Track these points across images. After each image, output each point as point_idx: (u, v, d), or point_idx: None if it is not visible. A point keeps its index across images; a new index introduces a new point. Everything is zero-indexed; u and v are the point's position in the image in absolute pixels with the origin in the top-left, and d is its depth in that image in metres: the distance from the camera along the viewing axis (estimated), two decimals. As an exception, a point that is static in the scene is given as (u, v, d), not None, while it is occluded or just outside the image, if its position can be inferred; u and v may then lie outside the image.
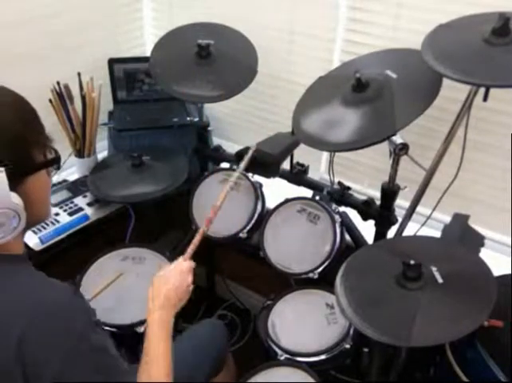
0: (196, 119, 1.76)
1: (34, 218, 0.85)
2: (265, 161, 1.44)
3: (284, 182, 1.60)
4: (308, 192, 1.55)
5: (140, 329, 1.32)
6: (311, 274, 1.39)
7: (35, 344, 0.74)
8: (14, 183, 0.77)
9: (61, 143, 1.70)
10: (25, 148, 0.82)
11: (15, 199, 0.79)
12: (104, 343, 0.81)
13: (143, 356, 0.94)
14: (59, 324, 0.76)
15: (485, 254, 1.18)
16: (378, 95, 1.20)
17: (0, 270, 0.82)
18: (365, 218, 1.45)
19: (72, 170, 1.80)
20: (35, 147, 0.84)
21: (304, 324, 1.39)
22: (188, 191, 1.62)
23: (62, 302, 0.79)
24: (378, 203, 1.42)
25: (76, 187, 1.70)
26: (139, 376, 0.90)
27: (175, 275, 1.08)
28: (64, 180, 1.74)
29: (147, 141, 1.79)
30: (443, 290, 1.03)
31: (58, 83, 1.63)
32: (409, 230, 1.40)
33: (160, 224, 1.86)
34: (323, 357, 1.29)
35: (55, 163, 0.89)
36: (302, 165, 1.58)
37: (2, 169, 0.75)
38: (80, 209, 1.61)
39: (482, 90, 1.08)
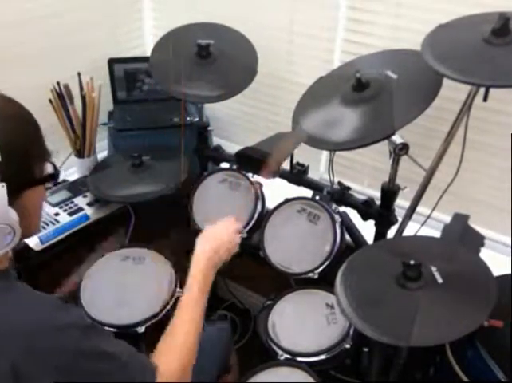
0: (196, 119, 1.76)
1: (24, 231, 0.82)
2: (265, 161, 1.44)
3: (284, 182, 1.60)
4: (308, 192, 1.55)
5: (141, 330, 1.32)
6: (311, 274, 1.39)
7: (29, 366, 0.73)
8: (11, 197, 0.76)
9: (61, 143, 1.70)
10: (26, 162, 0.81)
11: (12, 214, 0.77)
12: (98, 347, 0.81)
13: (175, 312, 0.99)
14: (49, 344, 0.75)
15: (485, 254, 1.18)
16: (378, 95, 1.20)
17: None
18: (365, 218, 1.45)
19: (72, 170, 1.80)
20: (35, 161, 0.83)
21: (304, 324, 1.39)
22: (188, 191, 1.62)
23: (50, 321, 0.78)
24: (378, 203, 1.42)
25: (76, 187, 1.70)
26: (165, 333, 0.95)
27: (226, 232, 1.16)
28: (64, 180, 1.74)
29: (147, 141, 1.79)
30: (443, 290, 1.03)
31: (58, 83, 1.64)
32: (409, 230, 1.40)
33: (160, 224, 1.86)
34: (323, 357, 1.29)
35: (54, 178, 0.88)
36: (302, 165, 1.58)
37: (3, 184, 0.73)
38: (80, 209, 1.61)
39: (482, 90, 1.08)
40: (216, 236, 1.14)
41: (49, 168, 0.87)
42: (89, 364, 0.79)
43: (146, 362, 0.88)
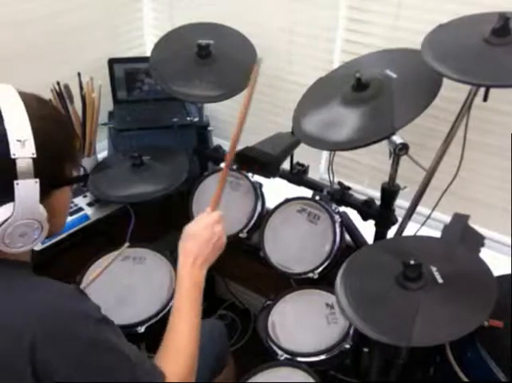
0: (196, 119, 1.76)
1: (50, 229, 0.85)
2: (265, 161, 1.44)
3: (284, 182, 1.60)
4: (308, 192, 1.55)
5: (141, 330, 1.32)
6: (311, 274, 1.39)
7: (45, 350, 0.74)
8: (42, 195, 0.78)
9: (61, 143, 1.70)
10: (61, 163, 0.83)
11: (42, 211, 0.80)
12: (111, 341, 0.81)
13: (169, 318, 0.97)
14: (65, 331, 0.76)
15: (485, 254, 1.18)
16: (378, 95, 1.20)
17: (8, 275, 0.82)
18: (365, 218, 1.45)
19: (72, 170, 1.80)
20: (67, 162, 0.85)
21: (304, 324, 1.39)
22: (188, 191, 1.62)
23: (68, 308, 0.79)
24: (378, 203, 1.42)
25: (76, 187, 1.70)
26: (163, 342, 0.93)
27: (205, 228, 1.08)
28: (65, 180, 1.74)
29: (147, 141, 1.79)
30: (443, 290, 1.03)
31: (58, 83, 1.63)
32: (409, 230, 1.40)
33: (160, 224, 1.86)
34: (323, 357, 1.29)
35: (82, 180, 0.91)
36: (302, 165, 1.58)
37: (37, 180, 0.76)
38: (80, 209, 1.61)
39: (482, 90, 1.08)
40: (195, 237, 1.07)
41: (78, 171, 0.90)
42: (101, 356, 0.79)
43: (154, 367, 0.88)
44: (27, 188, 0.76)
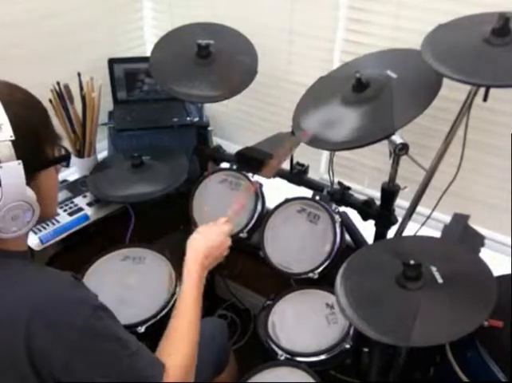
0: (196, 119, 1.76)
1: (41, 215, 0.86)
2: (265, 161, 1.44)
3: (284, 182, 1.60)
4: (308, 192, 1.55)
5: (141, 330, 1.32)
6: (311, 274, 1.39)
7: (41, 337, 0.75)
8: (27, 178, 0.79)
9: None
10: (38, 144, 0.84)
11: (30, 192, 0.81)
12: (109, 328, 0.82)
13: (172, 314, 1.02)
14: (61, 318, 0.77)
15: (485, 254, 1.18)
16: (378, 95, 1.20)
17: (4, 265, 0.83)
18: (365, 218, 1.45)
19: (72, 170, 1.80)
20: (47, 143, 0.86)
21: (304, 324, 1.39)
22: (188, 191, 1.62)
23: (63, 295, 0.80)
24: (378, 203, 1.42)
25: (76, 187, 1.70)
26: (164, 337, 0.96)
27: (218, 235, 1.18)
28: (64, 180, 1.74)
29: (147, 141, 1.79)
30: (443, 290, 1.03)
31: (58, 83, 1.63)
32: (409, 231, 1.40)
33: (160, 224, 1.86)
34: (323, 357, 1.29)
35: (65, 159, 0.92)
36: (302, 165, 1.58)
37: (20, 161, 0.77)
38: (80, 209, 1.61)
39: (482, 90, 1.08)
40: (207, 242, 1.15)
41: (59, 151, 0.91)
42: (98, 342, 0.80)
43: (154, 358, 0.89)
44: (11, 170, 0.77)
